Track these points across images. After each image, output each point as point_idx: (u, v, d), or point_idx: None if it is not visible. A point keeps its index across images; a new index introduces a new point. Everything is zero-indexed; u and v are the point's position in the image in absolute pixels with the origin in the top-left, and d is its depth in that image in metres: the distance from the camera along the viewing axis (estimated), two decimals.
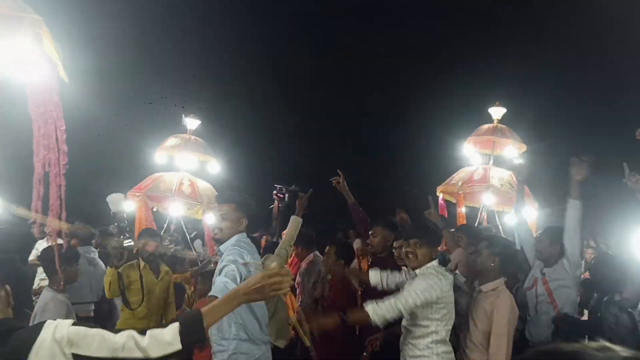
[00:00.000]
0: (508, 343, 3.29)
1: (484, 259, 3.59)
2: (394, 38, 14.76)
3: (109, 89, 16.26)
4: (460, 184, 6.71)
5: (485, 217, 7.15)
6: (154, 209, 6.78)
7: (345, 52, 15.52)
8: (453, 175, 7.01)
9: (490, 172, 6.72)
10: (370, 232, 4.61)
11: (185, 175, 6.63)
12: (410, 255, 3.41)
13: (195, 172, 6.80)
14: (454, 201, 7.03)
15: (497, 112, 6.97)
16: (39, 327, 1.70)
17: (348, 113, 16.05)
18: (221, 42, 15.81)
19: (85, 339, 1.67)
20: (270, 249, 5.77)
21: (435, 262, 3.43)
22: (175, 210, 6.67)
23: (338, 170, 4.97)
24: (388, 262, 4.25)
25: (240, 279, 3.05)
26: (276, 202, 6.59)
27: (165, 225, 6.99)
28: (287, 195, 6.32)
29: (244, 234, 3.47)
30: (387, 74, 15.70)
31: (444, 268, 3.47)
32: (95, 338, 1.69)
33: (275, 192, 6.43)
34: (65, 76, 2.52)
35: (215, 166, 6.90)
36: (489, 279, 3.56)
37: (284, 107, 15.91)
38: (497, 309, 3.38)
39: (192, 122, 6.81)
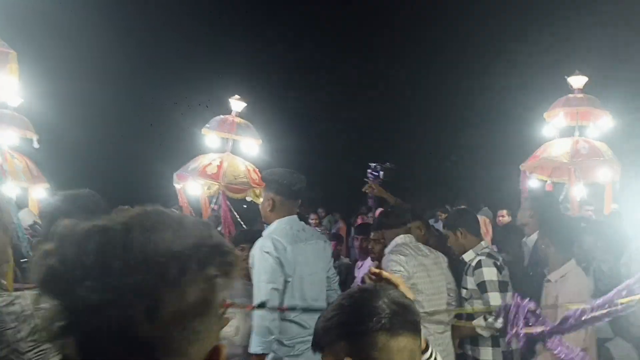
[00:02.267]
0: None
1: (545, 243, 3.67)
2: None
3: (160, 74, 16.68)
4: (568, 158, 6.24)
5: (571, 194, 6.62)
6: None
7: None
8: (539, 151, 6.65)
9: (593, 144, 6.40)
10: None
11: (224, 156, 6.62)
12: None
13: (239, 154, 6.83)
14: (545, 178, 6.86)
15: (577, 81, 6.62)
16: None
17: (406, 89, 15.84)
18: (266, 29, 15.90)
19: None
20: (364, 228, 5.76)
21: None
22: (193, 190, 6.67)
23: (368, 180, 4.72)
24: None
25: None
26: (371, 180, 6.38)
27: (211, 205, 7.12)
28: (382, 172, 6.16)
29: (288, 218, 3.23)
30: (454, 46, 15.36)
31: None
32: None
33: (369, 170, 6.28)
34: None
35: (254, 147, 6.89)
36: (555, 266, 3.57)
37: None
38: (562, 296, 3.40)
39: (237, 104, 6.90)
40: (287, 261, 3.05)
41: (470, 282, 3.95)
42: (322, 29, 16.57)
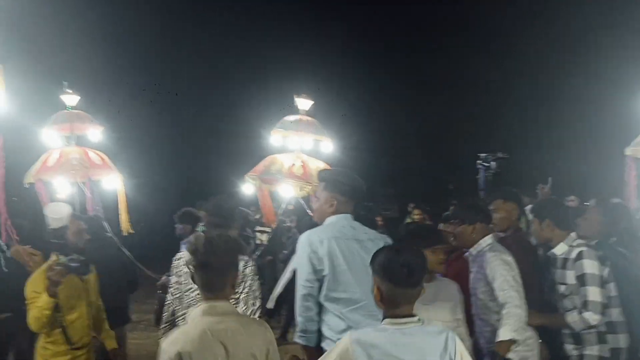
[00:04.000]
0: None
1: None
2: None
3: (230, 75, 16.95)
4: None
5: None
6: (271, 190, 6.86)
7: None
8: None
9: None
10: (490, 207, 4.16)
11: (298, 156, 6.60)
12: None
13: (310, 152, 6.76)
14: None
15: None
16: None
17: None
18: (333, 28, 15.88)
19: None
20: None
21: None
22: (286, 192, 6.64)
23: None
24: (512, 243, 3.95)
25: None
26: (481, 171, 6.21)
27: (283, 206, 7.08)
28: (493, 163, 5.97)
29: (338, 216, 3.21)
30: None
31: None
32: None
33: (479, 160, 6.12)
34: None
35: (329, 146, 6.82)
36: None
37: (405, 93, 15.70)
38: None
39: (303, 102, 6.76)
40: (320, 254, 3.09)
41: (569, 276, 3.67)
42: (396, 24, 16.38)
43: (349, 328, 2.88)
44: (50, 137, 6.86)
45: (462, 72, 15.67)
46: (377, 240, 3.28)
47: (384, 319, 2.21)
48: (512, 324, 3.36)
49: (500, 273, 3.49)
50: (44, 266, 3.73)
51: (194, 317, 2.26)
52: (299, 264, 3.16)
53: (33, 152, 7.13)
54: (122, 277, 4.61)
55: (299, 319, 3.15)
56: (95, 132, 7.02)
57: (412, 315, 2.17)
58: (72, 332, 3.71)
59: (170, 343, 2.18)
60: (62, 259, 3.62)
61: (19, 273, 3.87)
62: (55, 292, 3.45)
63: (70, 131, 6.84)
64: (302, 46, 15.29)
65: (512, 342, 3.36)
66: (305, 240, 3.14)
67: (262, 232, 8.76)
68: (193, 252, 2.28)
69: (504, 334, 3.36)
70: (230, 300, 2.43)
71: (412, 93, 16.06)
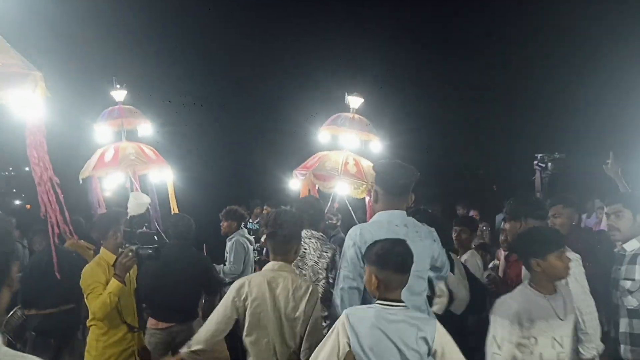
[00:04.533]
0: None
1: None
2: None
3: (279, 72, 17.07)
4: None
5: None
6: (317, 188, 6.82)
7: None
8: None
9: None
10: (551, 214, 4.13)
11: (349, 154, 6.55)
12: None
13: (358, 151, 6.71)
14: None
15: None
16: None
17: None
18: (385, 25, 15.81)
19: None
20: (464, 219, 5.56)
21: None
22: (342, 189, 6.60)
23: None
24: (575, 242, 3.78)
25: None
26: (538, 172, 6.11)
27: (329, 203, 7.02)
28: (549, 164, 5.88)
29: (389, 212, 3.10)
30: None
31: None
32: None
33: (536, 161, 6.01)
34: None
35: (378, 145, 6.73)
36: None
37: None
38: None
39: (355, 101, 6.69)
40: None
41: (638, 271, 3.51)
42: (449, 25, 16.18)
43: None
44: (102, 133, 6.97)
45: (517, 72, 15.33)
46: (428, 239, 3.15)
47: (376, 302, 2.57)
48: (595, 339, 3.26)
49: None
50: (97, 258, 3.87)
51: (263, 269, 3.01)
52: (344, 257, 3.05)
53: (84, 148, 7.27)
54: (195, 275, 4.67)
55: (337, 310, 2.98)
56: (146, 127, 7.10)
57: (400, 301, 2.54)
58: (126, 318, 3.87)
59: (237, 281, 2.96)
60: (134, 246, 3.78)
61: (78, 266, 3.93)
62: (123, 278, 3.65)
63: (121, 126, 6.93)
64: (353, 44, 15.23)
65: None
66: (356, 234, 3.01)
67: None
68: (265, 223, 3.03)
69: (589, 352, 3.25)
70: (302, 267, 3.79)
71: (464, 92, 15.81)
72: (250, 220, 8.22)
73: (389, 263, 2.51)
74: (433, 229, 3.22)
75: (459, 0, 15.76)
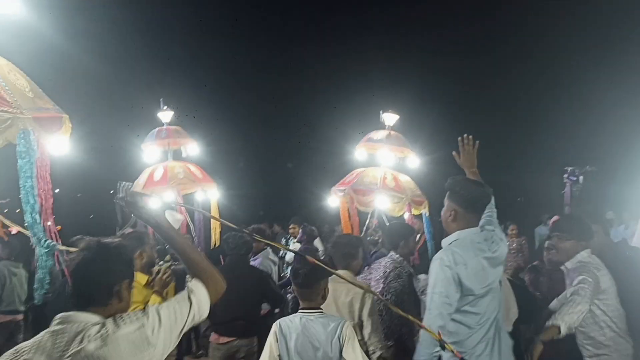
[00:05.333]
0: None
1: None
2: None
3: (315, 91, 17.32)
4: None
5: None
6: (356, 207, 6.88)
7: None
8: None
9: None
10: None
11: (386, 170, 6.69)
12: None
13: (395, 167, 6.81)
14: None
15: None
16: None
17: None
18: (418, 42, 15.90)
19: None
20: None
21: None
22: (381, 204, 6.65)
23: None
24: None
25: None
26: (568, 185, 6.09)
27: (367, 220, 7.11)
28: (580, 177, 5.84)
29: (469, 231, 3.03)
30: None
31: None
32: None
33: (566, 174, 6.00)
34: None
35: (415, 161, 6.85)
36: None
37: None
38: None
39: (390, 118, 6.83)
40: (466, 276, 2.91)
41: None
42: (480, 39, 16.19)
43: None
44: (150, 153, 7.31)
45: (548, 82, 15.20)
46: (504, 250, 3.18)
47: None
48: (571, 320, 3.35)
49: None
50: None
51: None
52: (440, 282, 2.93)
53: (131, 169, 7.61)
54: (252, 288, 4.82)
55: (424, 339, 2.92)
56: (192, 147, 7.41)
57: (319, 308, 3.03)
58: None
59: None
60: (169, 263, 3.88)
61: None
62: (162, 294, 3.69)
63: (168, 146, 7.24)
64: (387, 61, 15.39)
65: (558, 332, 3.32)
66: (449, 259, 2.93)
67: None
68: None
69: (560, 320, 3.34)
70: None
71: (495, 106, 15.74)
72: (292, 239, 8.03)
73: (295, 279, 3.08)
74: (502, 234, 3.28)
75: (494, 19, 15.74)
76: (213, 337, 4.72)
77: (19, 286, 6.33)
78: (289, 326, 3.01)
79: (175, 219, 5.87)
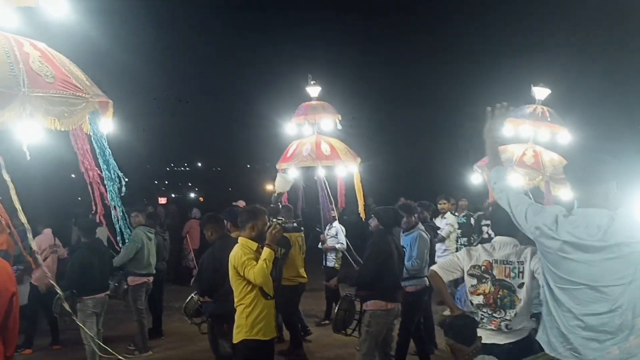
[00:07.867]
0: None
1: None
2: None
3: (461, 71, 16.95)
4: None
5: None
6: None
7: None
8: None
9: None
10: None
11: (530, 146, 6.40)
12: None
13: (545, 144, 6.49)
14: None
15: None
16: None
17: None
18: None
19: None
20: None
21: None
22: (514, 180, 6.37)
23: None
24: None
25: None
26: None
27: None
28: None
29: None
30: None
31: None
32: None
33: None
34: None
35: (566, 137, 6.44)
36: None
37: None
38: None
39: (541, 92, 6.50)
40: None
41: None
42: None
43: None
44: (293, 127, 7.74)
45: None
46: None
47: None
48: None
49: None
50: (239, 245, 4.28)
51: None
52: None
53: (281, 141, 8.07)
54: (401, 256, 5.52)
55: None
56: (336, 121, 7.67)
57: None
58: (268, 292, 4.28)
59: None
60: (280, 220, 4.28)
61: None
62: (273, 247, 4.14)
63: (314, 120, 7.58)
64: (536, 32, 14.67)
65: None
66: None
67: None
68: None
69: None
70: None
71: None
72: (457, 214, 8.94)
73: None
74: None
75: None
76: (378, 304, 5.09)
77: (152, 250, 7.09)
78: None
79: (287, 180, 6.83)
